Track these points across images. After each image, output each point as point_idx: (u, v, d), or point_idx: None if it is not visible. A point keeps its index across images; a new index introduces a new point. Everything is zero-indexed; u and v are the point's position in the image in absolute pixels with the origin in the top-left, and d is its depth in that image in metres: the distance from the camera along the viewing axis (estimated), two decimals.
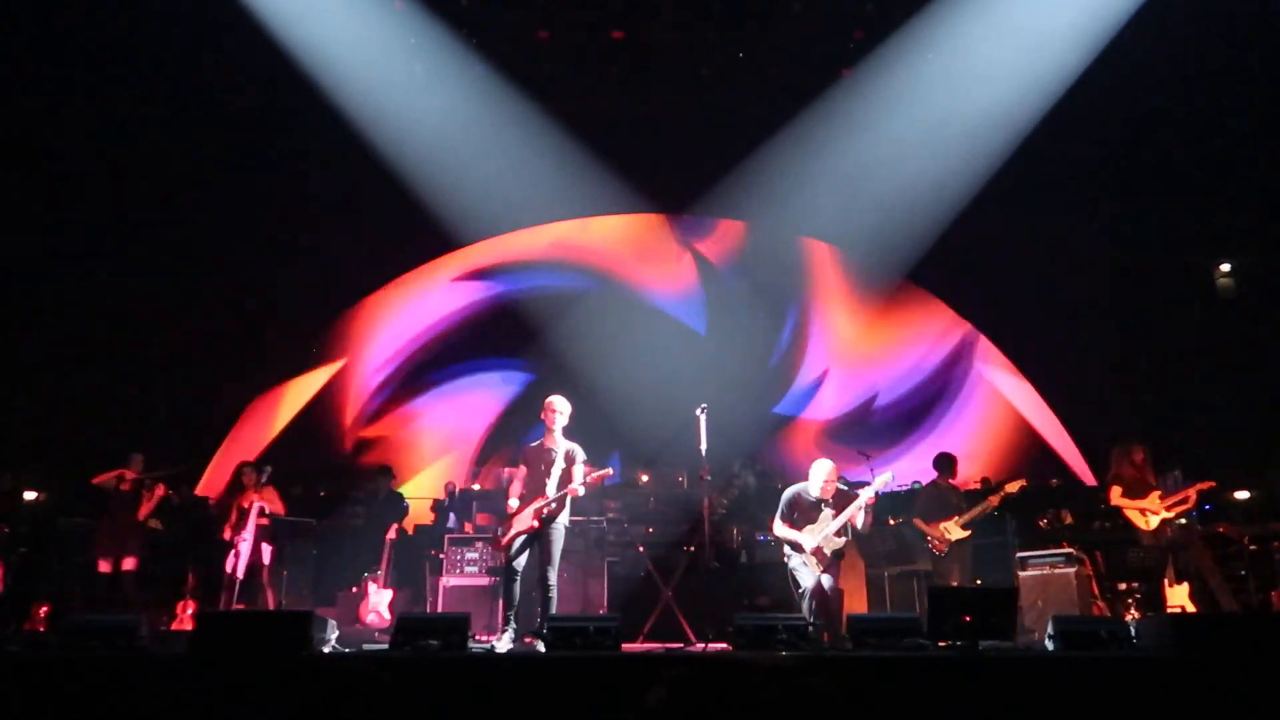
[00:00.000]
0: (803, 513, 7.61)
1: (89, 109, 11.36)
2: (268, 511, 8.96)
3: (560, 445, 7.38)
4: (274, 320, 13.21)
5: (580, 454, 7.38)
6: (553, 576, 7.09)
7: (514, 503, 7.25)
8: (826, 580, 7.33)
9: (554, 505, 7.18)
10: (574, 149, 12.61)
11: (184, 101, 11.64)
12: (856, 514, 7.44)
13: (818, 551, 7.41)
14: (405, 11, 11.54)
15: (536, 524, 7.13)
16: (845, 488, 7.82)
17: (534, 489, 7.26)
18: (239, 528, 8.78)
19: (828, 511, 7.50)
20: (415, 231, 13.24)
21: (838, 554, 7.53)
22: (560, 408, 7.44)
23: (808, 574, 7.38)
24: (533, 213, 13.79)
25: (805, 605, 7.28)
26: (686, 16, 11.86)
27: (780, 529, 7.67)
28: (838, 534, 7.45)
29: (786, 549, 7.59)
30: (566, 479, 7.27)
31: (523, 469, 7.43)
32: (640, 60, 12.46)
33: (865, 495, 7.47)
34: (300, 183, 12.70)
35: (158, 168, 11.89)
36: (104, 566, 9.14)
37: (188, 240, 12.38)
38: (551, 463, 7.28)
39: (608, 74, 12.51)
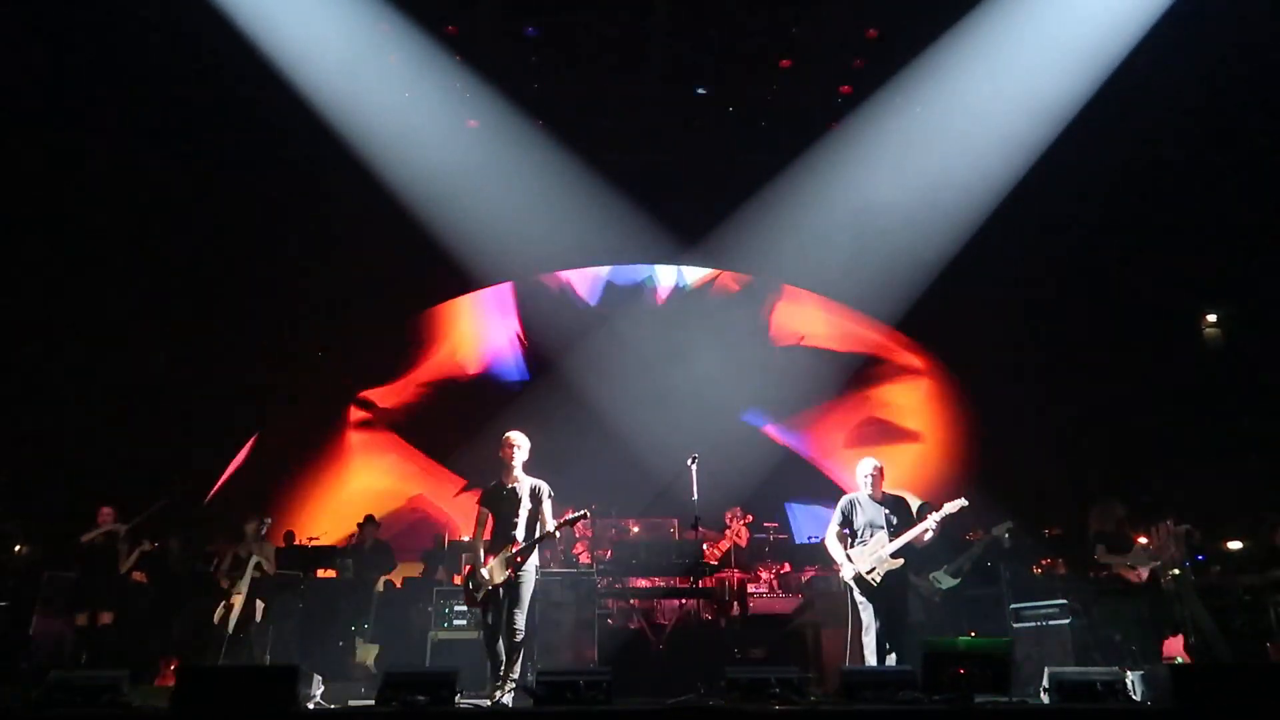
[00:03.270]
0: (858, 523, 7.23)
1: (100, 153, 11.50)
2: (264, 566, 8.85)
3: (524, 483, 6.90)
4: (264, 371, 13.18)
5: (546, 490, 6.90)
6: (520, 621, 6.63)
7: (482, 555, 6.75)
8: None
9: (526, 551, 6.71)
10: (569, 200, 12.75)
11: (184, 139, 11.78)
12: (921, 537, 7.12)
13: (868, 574, 7.00)
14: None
15: (511, 574, 6.66)
16: (903, 496, 7.48)
17: (502, 534, 6.78)
18: (235, 579, 8.65)
19: (881, 534, 7.14)
20: (417, 275, 13.51)
21: (899, 579, 7.14)
22: (519, 443, 6.95)
23: (868, 609, 6.99)
24: (526, 260, 13.90)
25: (870, 644, 6.91)
26: (674, 70, 12.08)
27: (831, 543, 7.29)
28: (895, 556, 7.07)
29: (848, 579, 7.17)
30: (535, 520, 6.82)
31: (488, 513, 6.89)
32: (630, 112, 12.66)
33: (931, 521, 7.13)
34: (300, 221, 12.81)
35: (154, 212, 12.04)
36: (80, 621, 8.99)
37: (180, 285, 12.43)
38: (517, 503, 6.81)
39: (598, 125, 12.68)
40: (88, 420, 11.61)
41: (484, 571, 6.72)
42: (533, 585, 6.84)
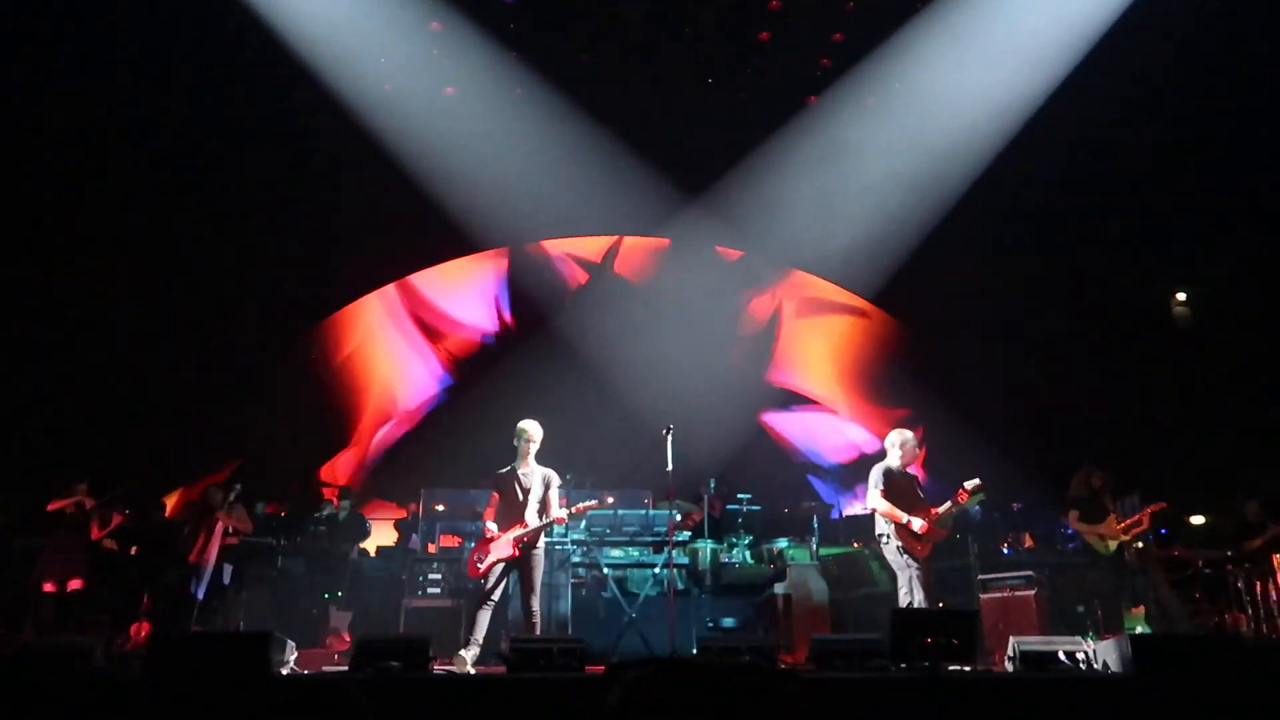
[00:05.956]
0: (898, 490, 7.28)
1: (99, 122, 11.30)
2: (233, 531, 8.86)
3: (535, 471, 7.32)
4: (241, 338, 13.03)
5: (556, 479, 7.34)
6: (535, 604, 7.06)
7: (492, 527, 7.18)
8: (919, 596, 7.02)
9: (534, 534, 7.11)
10: (551, 171, 12.65)
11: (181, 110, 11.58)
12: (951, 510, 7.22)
13: (931, 533, 7.08)
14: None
15: (516, 553, 7.05)
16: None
17: (510, 516, 7.18)
18: (205, 549, 8.65)
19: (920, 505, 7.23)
20: (404, 240, 13.42)
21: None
22: (533, 434, 7.34)
23: (917, 589, 6.99)
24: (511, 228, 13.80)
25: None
26: (657, 41, 11.99)
27: (879, 501, 7.23)
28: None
29: (894, 559, 7.17)
30: (544, 506, 7.24)
31: (495, 495, 7.35)
32: (610, 83, 12.55)
33: (971, 501, 7.23)
34: (289, 186, 12.63)
35: (142, 178, 11.86)
36: (49, 587, 8.95)
37: (159, 253, 12.23)
38: (528, 489, 7.23)
39: (578, 97, 12.57)
40: (64, 396, 11.48)
41: (491, 546, 7.12)
42: (542, 569, 7.25)
